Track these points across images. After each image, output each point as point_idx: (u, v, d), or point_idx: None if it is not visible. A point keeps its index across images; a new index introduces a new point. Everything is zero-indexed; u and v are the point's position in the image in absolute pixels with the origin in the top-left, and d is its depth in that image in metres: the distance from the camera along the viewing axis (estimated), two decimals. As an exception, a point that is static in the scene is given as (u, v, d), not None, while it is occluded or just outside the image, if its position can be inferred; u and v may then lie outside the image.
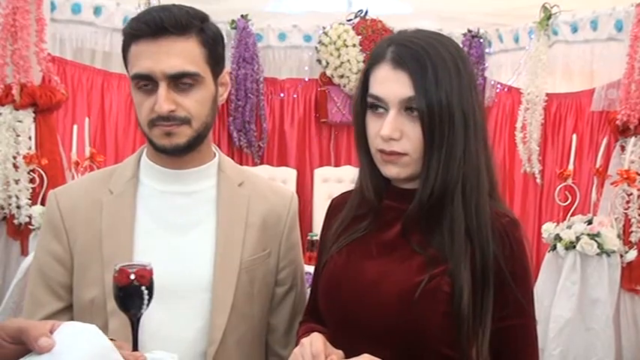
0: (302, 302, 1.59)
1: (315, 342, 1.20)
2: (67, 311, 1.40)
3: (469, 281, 1.18)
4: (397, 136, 1.20)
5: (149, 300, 1.12)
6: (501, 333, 1.22)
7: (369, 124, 1.25)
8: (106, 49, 4.20)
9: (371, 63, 1.25)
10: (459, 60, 1.23)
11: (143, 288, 1.11)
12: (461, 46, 4.41)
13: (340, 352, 1.22)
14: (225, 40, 4.50)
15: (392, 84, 1.20)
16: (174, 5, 1.33)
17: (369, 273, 1.26)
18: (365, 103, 1.25)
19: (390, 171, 1.24)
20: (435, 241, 1.22)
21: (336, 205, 1.43)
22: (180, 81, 1.30)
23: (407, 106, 1.19)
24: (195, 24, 1.32)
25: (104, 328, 1.27)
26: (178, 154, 1.37)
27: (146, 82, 1.29)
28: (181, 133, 1.32)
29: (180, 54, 1.30)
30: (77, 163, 3.68)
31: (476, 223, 1.21)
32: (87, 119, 3.96)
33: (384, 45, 1.25)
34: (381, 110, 1.22)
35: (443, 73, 1.19)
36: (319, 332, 1.29)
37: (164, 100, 1.28)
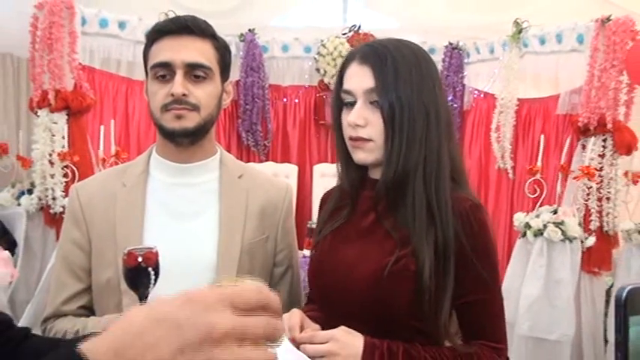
0: (297, 281, 1.61)
1: (292, 316, 1.22)
2: (87, 292, 1.42)
3: (431, 258, 1.18)
4: (362, 122, 1.22)
5: (155, 280, 1.11)
6: (466, 307, 1.24)
7: (343, 117, 1.28)
8: (130, 59, 4.22)
9: (344, 63, 1.29)
10: (421, 59, 1.25)
11: (150, 269, 1.10)
12: (443, 56, 4.47)
13: (317, 326, 1.24)
14: (235, 52, 4.56)
15: (358, 78, 1.23)
16: (192, 16, 1.40)
17: (348, 256, 1.27)
18: (340, 99, 1.28)
19: (357, 155, 1.26)
20: (402, 220, 1.23)
21: (325, 199, 1.46)
22: (194, 72, 1.34)
23: (371, 99, 1.22)
24: (211, 31, 1.39)
25: (118, 305, 1.33)
26: (185, 138, 1.38)
27: (164, 72, 1.33)
28: (190, 118, 1.35)
29: (198, 49, 1.35)
30: (104, 160, 3.72)
31: (436, 204, 1.21)
32: (112, 121, 3.99)
33: (355, 48, 1.29)
34: (351, 102, 1.25)
35: (403, 68, 1.20)
36: (311, 314, 1.32)
37: (180, 84, 1.32)
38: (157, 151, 1.46)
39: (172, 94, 1.32)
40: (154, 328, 0.57)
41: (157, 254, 1.12)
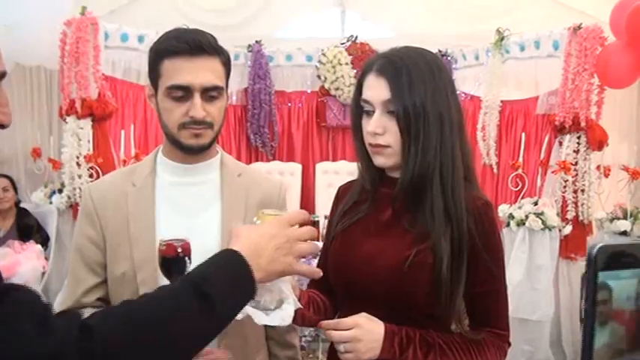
0: None
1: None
2: (103, 285, 1.40)
3: (448, 253, 1.18)
4: (381, 131, 1.21)
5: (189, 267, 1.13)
6: (476, 297, 1.24)
7: (363, 124, 1.27)
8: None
9: (362, 73, 1.27)
10: (435, 68, 1.22)
11: (186, 258, 1.13)
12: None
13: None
14: (243, 61, 4.60)
15: (375, 89, 1.22)
16: (197, 30, 1.35)
17: (368, 248, 1.27)
18: (360, 106, 1.26)
19: (377, 160, 1.26)
20: (421, 219, 1.22)
21: (343, 192, 1.44)
22: (209, 93, 1.32)
23: (388, 108, 1.20)
24: (219, 47, 1.35)
25: (134, 296, 1.27)
26: (198, 152, 1.38)
27: (181, 93, 1.30)
28: (206, 135, 1.34)
29: (212, 70, 1.32)
30: (125, 161, 3.78)
31: (452, 203, 1.20)
32: (132, 126, 4.06)
33: (373, 58, 1.26)
34: (370, 111, 1.24)
35: (417, 78, 1.18)
36: (314, 299, 1.34)
37: (201, 108, 1.30)
38: (164, 153, 1.44)
39: (191, 116, 1.31)
40: (270, 238, 1.04)
41: (190, 245, 1.14)
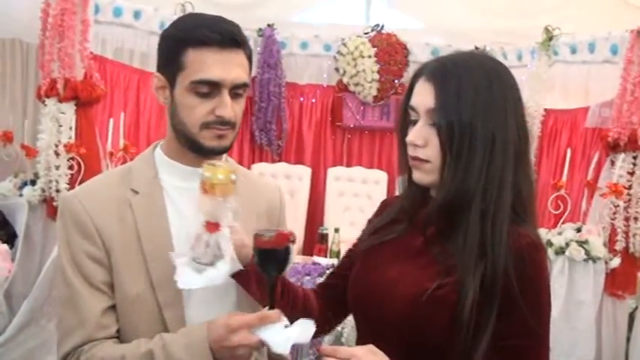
0: None
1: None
2: (115, 311, 1.34)
3: (476, 292, 1.15)
4: (421, 143, 1.20)
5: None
6: (506, 351, 1.18)
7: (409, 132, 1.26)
8: (144, 50, 4.19)
9: (414, 75, 1.26)
10: (494, 79, 1.20)
11: (290, 246, 1.20)
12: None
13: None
14: (252, 47, 4.51)
15: (421, 95, 1.21)
16: (225, 19, 1.33)
17: (391, 273, 1.25)
18: (407, 113, 1.26)
19: (415, 175, 1.25)
20: (452, 249, 1.19)
21: (386, 205, 1.44)
22: (237, 90, 1.31)
23: (432, 119, 1.19)
24: (246, 39, 1.34)
25: (151, 321, 1.31)
26: (218, 154, 1.37)
27: (209, 89, 1.29)
28: (229, 137, 1.34)
29: (242, 66, 1.32)
30: (111, 154, 3.70)
31: (490, 237, 1.17)
32: (122, 114, 3.97)
33: (427, 62, 1.26)
34: (415, 119, 1.23)
35: (467, 88, 1.17)
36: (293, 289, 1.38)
37: (230, 107, 1.29)
38: (167, 153, 1.41)
39: (219, 116, 1.30)
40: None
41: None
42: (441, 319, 1.16)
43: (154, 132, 4.24)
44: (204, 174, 1.18)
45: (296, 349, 3.98)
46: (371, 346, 1.16)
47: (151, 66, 4.17)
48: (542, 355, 1.21)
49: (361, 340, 1.24)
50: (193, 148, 1.34)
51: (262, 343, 1.17)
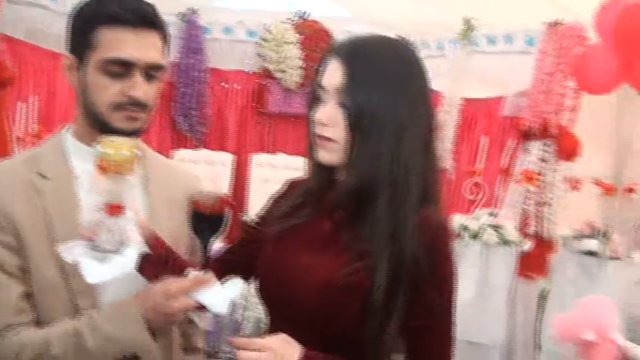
0: None
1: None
2: (32, 298, 1.31)
3: (386, 277, 1.15)
4: (327, 122, 1.19)
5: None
6: (414, 332, 1.21)
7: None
8: (59, 32, 4.02)
9: (325, 55, 1.25)
10: (407, 65, 1.20)
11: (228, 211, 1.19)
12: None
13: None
14: (173, 31, 4.40)
15: (330, 73, 1.20)
16: None
17: (302, 262, 1.24)
18: (316, 92, 1.25)
19: (319, 154, 1.23)
20: (363, 235, 1.19)
21: (291, 187, 1.42)
22: (151, 72, 1.30)
23: (340, 98, 1.17)
24: (163, 21, 1.33)
25: (67, 307, 1.27)
26: (130, 137, 1.32)
27: (120, 69, 1.26)
28: (141, 119, 1.32)
29: (156, 47, 1.30)
30: (21, 139, 3.57)
31: (399, 222, 1.17)
32: (34, 98, 3.84)
33: (340, 41, 1.26)
34: (323, 98, 1.21)
35: (379, 71, 1.16)
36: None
37: (142, 88, 1.28)
38: (77, 136, 1.38)
39: (130, 96, 1.28)
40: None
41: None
42: (354, 305, 1.16)
43: (70, 117, 4.03)
44: (104, 150, 1.11)
45: (214, 339, 3.98)
46: (284, 336, 1.16)
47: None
48: (447, 333, 1.23)
49: (274, 329, 1.23)
50: (104, 130, 1.29)
51: (200, 306, 1.17)
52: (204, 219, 1.20)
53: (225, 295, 1.18)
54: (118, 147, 1.11)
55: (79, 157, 1.35)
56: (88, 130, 1.34)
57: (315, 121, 1.22)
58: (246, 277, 1.32)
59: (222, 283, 1.20)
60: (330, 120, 1.19)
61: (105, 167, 1.10)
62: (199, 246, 1.21)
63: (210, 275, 1.19)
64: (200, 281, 1.17)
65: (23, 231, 1.28)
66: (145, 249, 1.20)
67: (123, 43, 1.25)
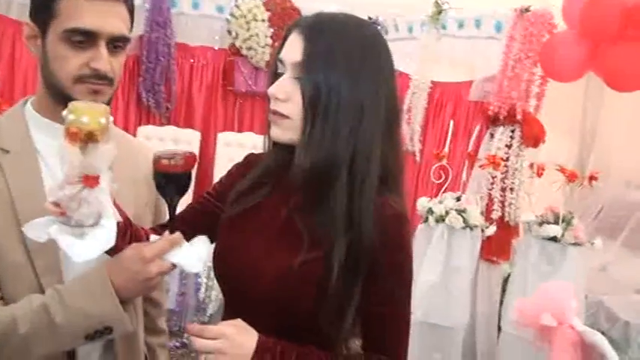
0: None
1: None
2: None
3: (341, 265, 1.12)
4: (282, 97, 1.14)
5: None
6: (372, 318, 1.19)
7: None
8: (23, 1, 3.88)
9: (288, 29, 1.20)
10: (370, 45, 1.15)
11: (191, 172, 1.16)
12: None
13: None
14: (139, 3, 4.33)
15: (290, 48, 1.15)
16: None
17: (257, 249, 1.21)
18: (276, 66, 1.19)
19: (272, 131, 1.18)
20: (318, 221, 1.15)
21: (250, 162, 1.35)
22: (115, 43, 1.24)
23: (297, 74, 1.13)
24: None
25: (33, 287, 1.21)
26: None
27: (83, 39, 1.20)
28: (106, 93, 1.26)
29: (121, 17, 1.25)
30: None
31: (358, 208, 1.13)
32: None
33: (304, 17, 1.20)
34: (282, 73, 1.16)
35: (340, 50, 1.12)
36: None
37: (107, 60, 1.22)
38: (38, 109, 1.31)
39: (94, 68, 1.22)
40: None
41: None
42: (309, 293, 1.14)
43: (31, 88, 3.95)
44: (77, 118, 1.02)
45: (178, 318, 3.96)
46: (239, 322, 1.14)
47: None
48: (404, 320, 1.22)
49: (229, 315, 1.19)
50: (64, 103, 1.20)
51: (174, 268, 1.15)
52: (170, 178, 1.16)
53: (199, 254, 1.16)
54: (93, 114, 1.03)
55: (40, 131, 1.31)
56: (50, 103, 1.29)
57: (269, 95, 1.17)
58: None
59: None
60: (285, 95, 1.14)
61: (78, 136, 1.02)
62: (166, 207, 1.18)
63: (179, 235, 1.16)
64: (172, 242, 1.15)
65: None
66: (119, 218, 1.13)
67: (86, 11, 1.20)
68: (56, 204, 1.04)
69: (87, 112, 1.03)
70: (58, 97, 1.24)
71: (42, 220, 1.06)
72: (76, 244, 1.04)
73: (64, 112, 1.05)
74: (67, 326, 1.14)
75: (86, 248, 1.04)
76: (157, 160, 1.15)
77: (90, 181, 1.04)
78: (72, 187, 1.03)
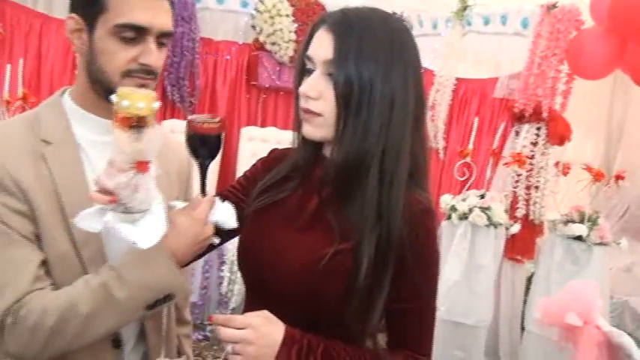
0: None
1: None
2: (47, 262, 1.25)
3: (371, 258, 1.12)
4: (314, 95, 1.14)
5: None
6: (397, 314, 1.19)
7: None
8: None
9: (314, 25, 1.19)
10: (397, 40, 1.14)
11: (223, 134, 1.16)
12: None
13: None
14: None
15: (319, 45, 1.14)
16: None
17: (283, 240, 1.21)
18: (303, 63, 1.19)
19: (304, 128, 1.18)
20: (349, 214, 1.15)
21: (276, 158, 1.35)
22: (162, 39, 1.25)
23: (328, 71, 1.13)
24: None
25: (81, 275, 1.20)
26: None
27: (134, 35, 1.20)
28: (150, 86, 1.26)
29: (167, 12, 1.25)
30: (8, 102, 3.48)
31: (387, 202, 1.13)
32: (21, 60, 3.76)
33: (329, 12, 1.19)
34: (311, 70, 1.16)
35: (369, 45, 1.11)
36: None
37: (157, 55, 1.23)
38: (79, 103, 1.31)
39: (143, 64, 1.22)
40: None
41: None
42: (337, 285, 1.13)
43: (58, 81, 3.99)
44: (134, 104, 1.02)
45: (200, 311, 4.00)
46: (266, 313, 1.13)
47: (57, 11, 3.98)
48: (430, 315, 1.22)
49: (251, 308, 1.17)
50: (109, 97, 1.21)
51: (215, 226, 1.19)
52: (204, 140, 1.16)
53: (231, 211, 1.19)
54: (147, 99, 1.04)
55: (80, 123, 1.30)
56: (94, 98, 1.28)
57: (300, 94, 1.16)
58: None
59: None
60: (317, 93, 1.14)
61: (130, 121, 1.02)
62: (198, 169, 1.19)
63: (214, 196, 1.19)
64: (211, 202, 1.18)
65: (35, 199, 1.22)
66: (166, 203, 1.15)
67: (137, 7, 1.20)
68: (105, 192, 1.04)
69: (142, 98, 1.04)
70: (105, 92, 1.23)
71: (92, 210, 1.06)
72: (136, 231, 1.05)
73: (114, 99, 1.04)
74: (128, 300, 1.14)
75: (147, 234, 1.06)
76: (192, 122, 1.15)
77: (142, 166, 1.04)
78: (125, 174, 1.03)
